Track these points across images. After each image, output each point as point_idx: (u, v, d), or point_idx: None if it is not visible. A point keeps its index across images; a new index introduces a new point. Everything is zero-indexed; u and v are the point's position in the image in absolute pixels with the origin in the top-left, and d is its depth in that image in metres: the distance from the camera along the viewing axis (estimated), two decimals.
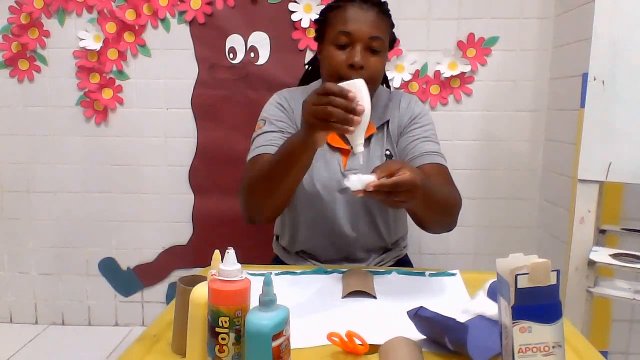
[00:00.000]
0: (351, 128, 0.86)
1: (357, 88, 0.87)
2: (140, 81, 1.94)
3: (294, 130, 1.21)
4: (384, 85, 1.36)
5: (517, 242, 1.97)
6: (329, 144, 1.20)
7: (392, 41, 1.21)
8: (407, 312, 0.79)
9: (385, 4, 1.17)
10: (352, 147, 0.94)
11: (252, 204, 1.11)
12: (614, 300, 1.61)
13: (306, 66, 1.41)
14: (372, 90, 1.19)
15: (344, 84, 0.87)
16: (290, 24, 1.88)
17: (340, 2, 1.15)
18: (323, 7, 1.23)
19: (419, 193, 0.88)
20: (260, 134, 1.19)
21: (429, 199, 0.95)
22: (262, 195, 1.07)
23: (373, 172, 0.88)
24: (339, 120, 0.85)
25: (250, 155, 1.18)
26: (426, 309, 0.76)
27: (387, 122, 1.23)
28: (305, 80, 1.36)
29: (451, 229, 1.13)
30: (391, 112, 1.23)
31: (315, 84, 1.27)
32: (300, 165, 1.00)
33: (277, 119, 1.20)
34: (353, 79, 1.10)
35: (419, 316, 0.77)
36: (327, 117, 0.85)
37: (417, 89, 1.90)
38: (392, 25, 1.19)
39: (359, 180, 0.86)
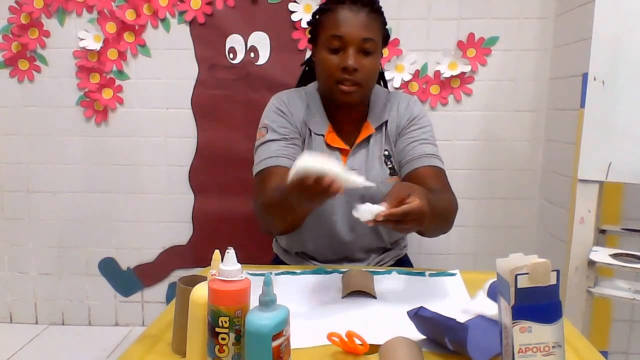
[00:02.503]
0: (342, 190, 0.86)
1: (329, 167, 0.83)
2: (140, 81, 1.94)
3: (296, 135, 1.20)
4: (382, 85, 1.35)
5: (517, 242, 1.97)
6: (327, 144, 1.20)
7: (386, 38, 1.21)
8: (407, 312, 0.79)
9: (377, 2, 1.16)
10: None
11: (267, 224, 1.16)
12: (614, 300, 1.61)
13: (302, 66, 1.39)
14: (368, 91, 1.19)
15: (315, 167, 0.82)
16: (290, 24, 1.88)
17: (331, 5, 1.14)
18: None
19: (426, 219, 0.89)
20: (264, 142, 1.19)
21: (431, 216, 0.96)
22: (276, 220, 1.12)
23: (383, 200, 0.89)
24: (324, 199, 0.87)
25: (257, 168, 1.18)
26: (426, 309, 0.76)
27: (386, 122, 1.23)
28: (304, 80, 1.36)
29: (446, 232, 1.14)
30: (390, 113, 1.23)
31: (313, 86, 1.27)
32: (307, 210, 1.03)
33: (279, 125, 1.20)
34: (347, 85, 1.10)
35: (419, 316, 0.77)
36: (312, 199, 0.87)
37: (417, 89, 1.90)
38: (385, 23, 1.18)
39: (369, 211, 0.86)
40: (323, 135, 1.20)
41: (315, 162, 0.81)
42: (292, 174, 0.82)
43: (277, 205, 1.05)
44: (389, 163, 1.21)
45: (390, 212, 0.85)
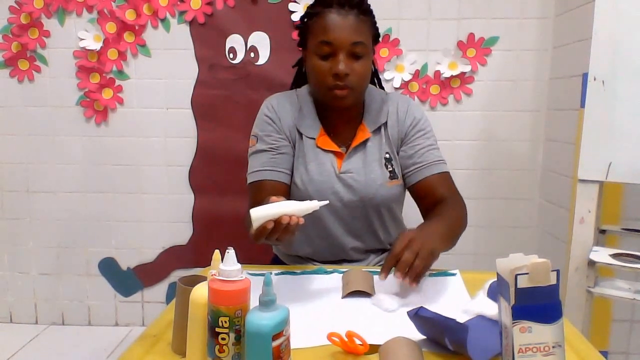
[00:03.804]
0: (301, 220, 0.90)
1: (281, 209, 0.88)
2: (140, 81, 1.94)
3: (285, 142, 1.20)
4: (377, 85, 1.34)
5: (517, 242, 1.97)
6: (320, 147, 1.20)
7: (377, 36, 1.19)
8: (407, 312, 0.79)
9: (365, 2, 1.15)
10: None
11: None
12: (614, 300, 1.61)
13: (295, 67, 1.38)
14: (361, 93, 1.18)
15: (269, 214, 0.87)
16: (290, 24, 1.88)
17: (318, 9, 1.13)
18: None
19: (430, 239, 0.95)
20: (254, 152, 1.21)
21: (447, 240, 1.05)
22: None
23: (381, 272, 0.94)
24: (289, 236, 0.91)
25: (248, 179, 1.21)
26: (426, 309, 0.76)
27: (384, 124, 1.22)
28: (297, 81, 1.35)
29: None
30: (388, 116, 1.22)
31: (305, 88, 1.26)
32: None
33: (266, 134, 1.20)
34: (339, 88, 1.11)
35: (418, 316, 0.77)
36: (278, 239, 0.91)
37: (417, 89, 1.91)
38: (375, 22, 1.17)
39: (385, 299, 0.92)
40: (314, 139, 1.19)
41: (267, 210, 0.87)
42: (253, 226, 0.88)
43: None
44: (389, 166, 1.20)
45: (387, 264, 0.93)
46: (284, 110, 1.22)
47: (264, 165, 1.18)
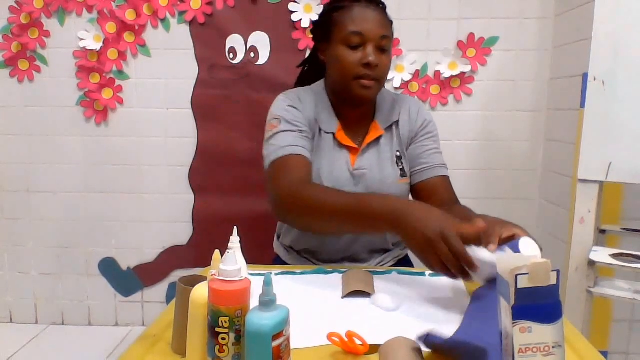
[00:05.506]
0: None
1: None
2: (140, 81, 1.94)
3: (309, 129, 1.18)
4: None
5: None
6: (338, 142, 1.20)
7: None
8: (417, 338, 0.72)
9: (385, 4, 1.19)
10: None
11: (286, 220, 1.14)
12: (614, 300, 1.61)
13: (301, 67, 1.38)
14: (382, 88, 1.21)
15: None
16: (290, 24, 1.88)
17: (345, 2, 1.15)
18: (323, 7, 1.23)
19: None
20: (278, 132, 1.15)
21: None
22: (301, 223, 1.10)
23: (486, 242, 0.87)
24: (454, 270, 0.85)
25: (274, 155, 1.12)
26: (434, 335, 0.71)
27: (396, 123, 1.24)
28: (302, 80, 1.35)
29: None
30: (400, 116, 1.25)
31: (319, 85, 1.26)
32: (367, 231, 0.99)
33: (293, 117, 1.17)
34: (368, 77, 1.11)
35: (430, 343, 0.73)
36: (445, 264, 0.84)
37: (417, 89, 1.90)
38: (392, 23, 1.21)
39: (391, 300, 0.91)
40: (333, 134, 1.20)
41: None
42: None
43: (322, 210, 1.01)
44: (400, 164, 1.22)
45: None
46: (305, 102, 1.22)
47: (295, 142, 1.13)
